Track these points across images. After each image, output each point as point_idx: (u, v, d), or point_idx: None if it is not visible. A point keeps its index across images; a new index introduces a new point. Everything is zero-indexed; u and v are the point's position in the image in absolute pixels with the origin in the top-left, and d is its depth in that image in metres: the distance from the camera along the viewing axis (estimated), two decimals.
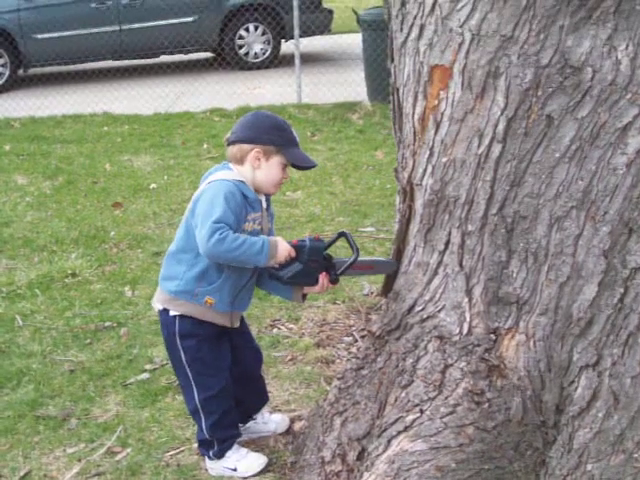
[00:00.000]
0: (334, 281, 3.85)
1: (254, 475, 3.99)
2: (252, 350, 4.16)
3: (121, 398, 4.70)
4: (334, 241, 3.96)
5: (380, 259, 4.29)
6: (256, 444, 4.20)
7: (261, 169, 3.75)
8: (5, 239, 7.30)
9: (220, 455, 4.00)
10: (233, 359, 3.97)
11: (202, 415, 3.93)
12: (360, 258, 3.90)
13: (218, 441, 3.97)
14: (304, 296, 3.96)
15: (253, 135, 3.75)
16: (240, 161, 3.77)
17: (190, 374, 3.87)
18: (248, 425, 4.26)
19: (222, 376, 3.91)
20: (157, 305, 3.90)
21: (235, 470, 3.99)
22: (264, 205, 3.83)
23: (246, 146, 3.75)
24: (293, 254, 3.73)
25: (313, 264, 3.76)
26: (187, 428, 4.34)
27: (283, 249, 3.69)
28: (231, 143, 3.82)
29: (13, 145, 10.65)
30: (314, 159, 3.91)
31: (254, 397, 4.22)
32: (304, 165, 3.87)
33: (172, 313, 3.82)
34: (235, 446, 4.03)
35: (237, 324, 3.96)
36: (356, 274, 4.36)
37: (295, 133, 3.82)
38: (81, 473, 4.07)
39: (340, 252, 5.42)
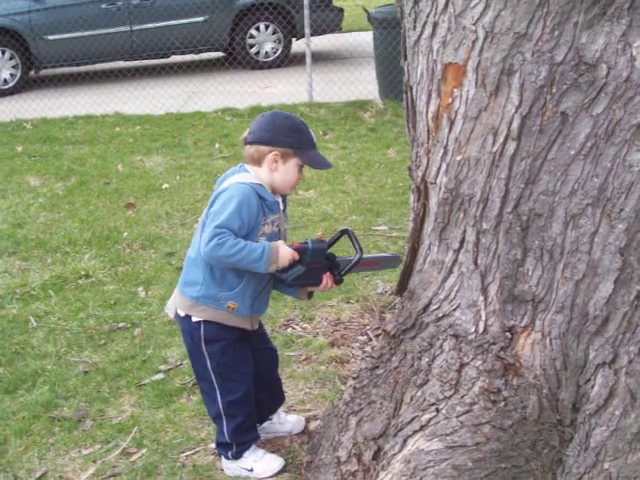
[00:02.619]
0: (338, 282, 3.85)
1: (271, 477, 3.98)
2: (269, 351, 4.16)
3: (136, 399, 4.70)
4: (337, 239, 3.96)
5: (384, 255, 4.29)
6: (272, 444, 4.20)
7: (278, 171, 3.74)
8: (18, 240, 7.32)
9: (238, 456, 4.00)
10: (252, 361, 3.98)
11: (224, 420, 3.93)
12: (364, 255, 3.92)
13: (237, 443, 3.98)
14: (310, 294, 3.97)
15: (271, 137, 3.73)
16: (257, 162, 3.76)
17: (214, 379, 3.87)
18: (264, 425, 4.26)
19: (246, 380, 3.91)
20: (179, 312, 3.88)
21: (252, 471, 3.99)
22: (281, 207, 3.84)
23: (264, 148, 3.73)
24: (296, 257, 3.73)
25: (316, 265, 3.76)
26: (202, 429, 4.34)
27: (285, 254, 3.69)
28: (248, 143, 3.80)
29: (25, 146, 10.68)
30: (328, 159, 3.90)
31: (271, 398, 4.22)
32: (320, 167, 3.88)
33: (195, 319, 3.81)
34: (252, 447, 4.03)
35: (257, 326, 3.97)
36: (361, 271, 4.35)
37: (312, 134, 3.81)
38: (96, 474, 4.08)
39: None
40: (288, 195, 3.92)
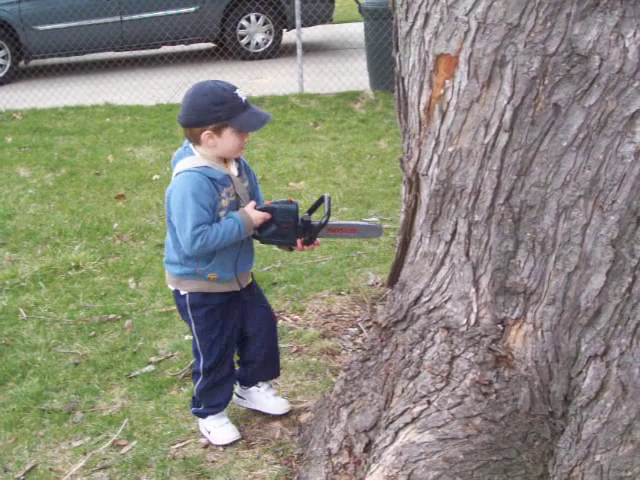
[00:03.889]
0: (306, 242, 3.99)
1: (221, 445, 4.16)
2: (262, 308, 4.27)
3: (126, 391, 4.69)
4: (316, 206, 4.08)
5: (364, 223, 4.40)
6: (262, 436, 4.20)
7: (217, 145, 3.78)
8: (8, 231, 7.30)
9: (203, 416, 4.22)
10: (243, 316, 4.14)
11: (201, 377, 4.14)
12: (342, 222, 4.26)
13: (205, 405, 4.19)
14: (291, 248, 4.12)
15: (197, 118, 3.75)
16: (196, 142, 3.82)
17: (199, 342, 4.07)
18: (251, 389, 4.40)
19: (224, 343, 4.08)
20: (169, 285, 4.11)
21: (209, 433, 4.22)
22: (235, 172, 3.91)
23: (194, 129, 3.78)
24: (267, 217, 3.89)
25: (286, 225, 3.92)
26: (193, 421, 4.33)
27: (256, 218, 3.86)
28: (182, 125, 3.86)
29: (15, 137, 10.65)
30: (268, 114, 3.91)
31: (262, 363, 4.33)
32: (254, 130, 3.90)
33: (182, 292, 4.01)
34: (220, 414, 4.21)
35: (246, 284, 4.12)
36: (340, 237, 4.48)
37: (239, 94, 3.77)
38: (87, 466, 4.07)
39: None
40: (237, 157, 3.97)
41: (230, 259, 3.92)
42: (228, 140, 3.77)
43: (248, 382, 4.39)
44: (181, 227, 3.76)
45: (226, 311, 4.04)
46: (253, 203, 3.90)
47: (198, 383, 4.15)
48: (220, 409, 4.21)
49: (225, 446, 4.15)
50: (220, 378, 4.13)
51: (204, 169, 3.78)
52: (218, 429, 4.18)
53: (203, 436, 4.21)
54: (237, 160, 3.97)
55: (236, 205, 3.89)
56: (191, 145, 3.87)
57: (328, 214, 3.95)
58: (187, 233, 3.73)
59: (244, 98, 3.79)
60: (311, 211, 4.03)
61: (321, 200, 4.05)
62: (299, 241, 3.96)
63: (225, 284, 3.98)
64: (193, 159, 3.83)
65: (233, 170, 3.91)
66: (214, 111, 3.71)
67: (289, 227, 3.92)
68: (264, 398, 4.38)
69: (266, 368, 4.37)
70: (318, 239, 4.02)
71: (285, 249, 4.19)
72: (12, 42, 14.18)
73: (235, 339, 4.16)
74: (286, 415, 4.34)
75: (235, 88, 3.80)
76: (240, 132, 3.79)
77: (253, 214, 3.85)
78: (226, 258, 3.90)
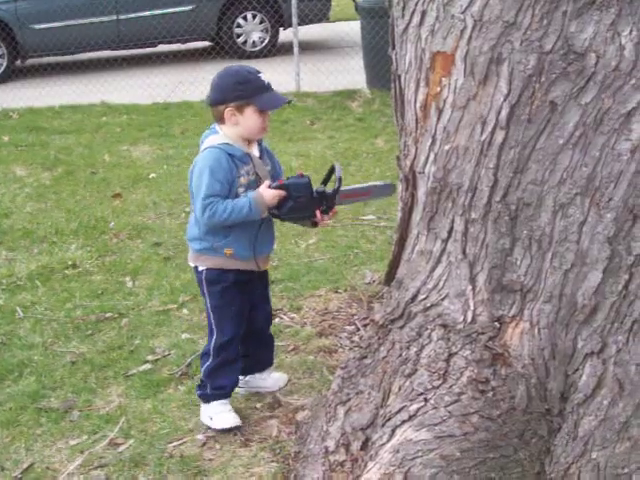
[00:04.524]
0: (324, 212, 4.09)
1: (221, 430, 4.21)
2: (264, 311, 4.43)
3: (123, 389, 4.69)
4: (329, 175, 4.20)
5: (376, 183, 4.50)
6: (260, 435, 4.19)
7: (240, 123, 4.01)
8: (4, 230, 7.28)
9: (207, 400, 4.29)
10: (251, 307, 4.28)
11: (210, 358, 4.23)
12: (355, 185, 4.46)
13: (211, 387, 4.26)
14: (314, 223, 4.20)
15: (221, 96, 4.03)
16: (220, 120, 4.08)
17: (213, 319, 4.21)
18: (247, 379, 4.53)
19: (238, 323, 4.21)
20: (189, 262, 4.31)
21: (211, 419, 4.26)
22: (256, 154, 4.11)
23: (219, 107, 4.04)
24: (282, 194, 4.00)
25: (302, 199, 4.03)
26: (190, 419, 4.33)
27: (270, 197, 3.99)
28: (208, 105, 4.11)
29: (11, 136, 10.62)
30: (284, 98, 4.22)
31: (259, 355, 4.51)
32: (274, 108, 4.16)
33: (201, 268, 4.19)
34: (224, 400, 4.27)
35: (264, 267, 4.32)
36: (355, 201, 4.64)
37: (262, 77, 4.04)
38: (84, 465, 4.06)
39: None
40: (260, 138, 4.17)
41: (247, 238, 4.07)
42: (250, 119, 4.00)
43: (244, 372, 4.50)
44: (196, 197, 3.97)
45: (241, 292, 4.18)
46: (267, 182, 4.03)
47: (207, 364, 4.23)
48: (225, 394, 4.27)
49: (226, 431, 4.20)
50: (227, 359, 4.21)
51: (225, 146, 4.00)
52: (220, 414, 4.23)
53: (200, 433, 4.20)
54: (259, 144, 4.16)
55: (256, 185, 4.04)
56: (217, 126, 4.09)
57: (339, 180, 4.06)
58: (198, 202, 3.94)
59: (267, 81, 4.03)
60: (325, 182, 4.17)
61: (332, 169, 4.15)
62: (317, 212, 4.05)
63: (242, 262, 4.12)
64: (216, 137, 4.05)
65: (254, 151, 4.13)
66: (238, 90, 3.96)
67: (305, 200, 4.02)
68: (261, 380, 4.56)
69: (260, 363, 4.54)
70: (335, 207, 4.12)
71: (308, 225, 4.27)
72: (8, 41, 14.18)
73: (245, 323, 4.25)
74: (283, 413, 4.34)
75: (259, 72, 4.06)
76: (262, 111, 4.01)
77: (266, 193, 3.98)
78: (243, 236, 4.06)
